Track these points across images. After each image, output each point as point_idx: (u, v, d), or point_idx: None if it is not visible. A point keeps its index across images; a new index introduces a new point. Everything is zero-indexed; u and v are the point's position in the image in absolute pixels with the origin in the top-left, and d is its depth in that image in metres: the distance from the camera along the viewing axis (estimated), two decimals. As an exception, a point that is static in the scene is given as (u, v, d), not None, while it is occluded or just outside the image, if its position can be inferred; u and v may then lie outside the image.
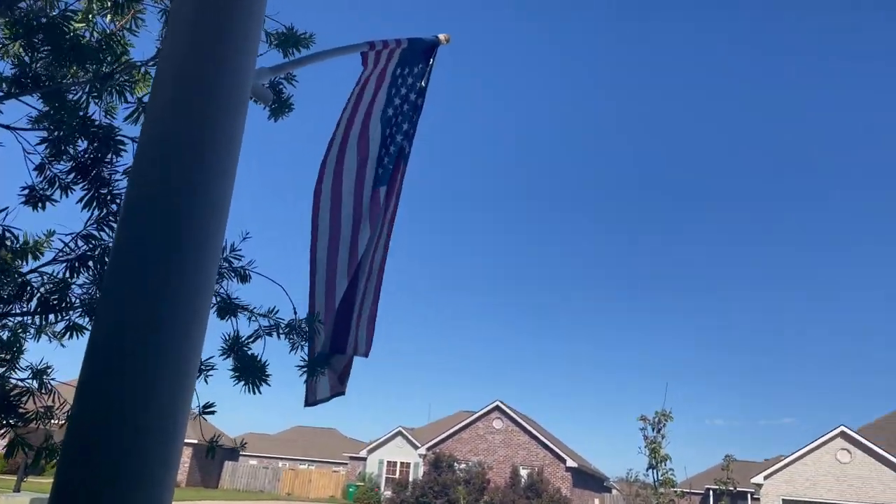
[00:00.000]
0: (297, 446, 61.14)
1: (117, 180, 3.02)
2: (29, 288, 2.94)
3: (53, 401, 3.28)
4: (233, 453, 51.54)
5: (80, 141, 2.95)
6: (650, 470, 13.44)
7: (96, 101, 3.19)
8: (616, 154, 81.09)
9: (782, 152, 74.15)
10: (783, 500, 34.26)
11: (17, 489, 17.44)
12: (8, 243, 2.90)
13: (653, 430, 13.50)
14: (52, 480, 1.40)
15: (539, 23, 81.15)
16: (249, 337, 3.29)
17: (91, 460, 1.35)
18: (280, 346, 3.41)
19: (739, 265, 75.77)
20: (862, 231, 72.60)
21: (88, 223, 3.04)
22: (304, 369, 3.30)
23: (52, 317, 3.11)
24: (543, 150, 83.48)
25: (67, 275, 2.98)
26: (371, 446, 46.81)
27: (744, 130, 75.41)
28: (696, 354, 76.38)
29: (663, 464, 13.26)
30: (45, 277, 3.06)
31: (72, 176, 2.89)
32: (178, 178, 1.56)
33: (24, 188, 3.13)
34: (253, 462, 54.01)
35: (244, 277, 3.44)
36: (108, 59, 3.11)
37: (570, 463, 36.85)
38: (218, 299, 3.43)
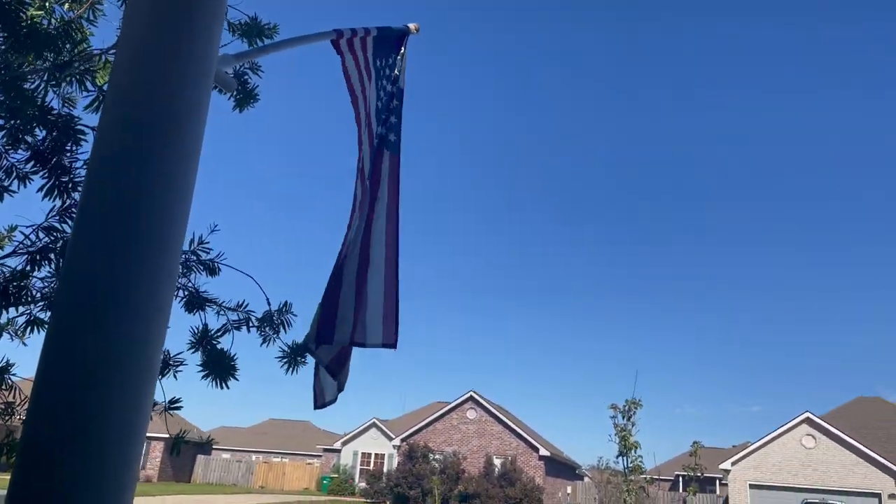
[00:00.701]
0: (270, 439, 60.76)
1: (77, 168, 2.94)
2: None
3: (15, 397, 3.20)
4: (205, 448, 51.09)
5: (38, 130, 2.87)
6: (620, 457, 13.65)
7: (55, 89, 3.10)
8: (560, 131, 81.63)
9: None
10: (750, 484, 34.99)
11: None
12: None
13: (623, 417, 13.69)
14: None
15: (530, 23, 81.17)
16: (218, 331, 3.24)
17: (48, 457, 1.31)
18: (252, 339, 3.37)
19: (705, 256, 76.94)
20: (825, 221, 74.18)
21: (50, 215, 2.96)
22: (285, 360, 3.27)
23: (12, 310, 3.03)
24: (516, 142, 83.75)
25: (28, 267, 2.90)
26: (345, 438, 46.72)
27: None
28: (666, 344, 77.48)
29: (633, 451, 13.45)
30: (4, 270, 2.98)
31: (30, 165, 2.80)
32: (139, 166, 1.52)
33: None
34: (226, 456, 53.55)
35: (213, 270, 3.38)
36: (67, 47, 3.02)
37: (543, 452, 37.18)
38: (186, 293, 3.37)
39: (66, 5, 3.02)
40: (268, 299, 3.26)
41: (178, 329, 3.32)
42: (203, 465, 48.08)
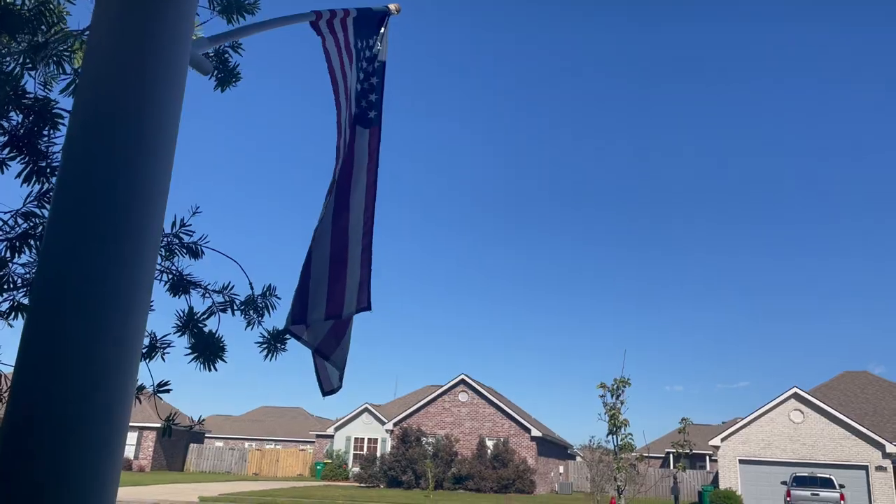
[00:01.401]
0: (263, 426, 60.91)
1: (55, 153, 2.90)
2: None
3: (2, 383, 3.18)
4: (198, 436, 51.10)
5: (13, 113, 2.83)
6: (610, 436, 13.79)
7: (31, 72, 3.05)
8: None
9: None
10: (739, 460, 35.47)
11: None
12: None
13: (612, 396, 13.82)
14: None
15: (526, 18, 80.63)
16: (204, 313, 3.23)
17: (30, 442, 1.30)
18: (241, 327, 3.36)
19: (692, 235, 77.34)
20: (815, 196, 74.64)
21: (28, 200, 2.93)
22: (264, 346, 3.26)
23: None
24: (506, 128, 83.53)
25: (7, 254, 2.87)
26: (338, 424, 46.90)
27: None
28: (656, 323, 78.04)
29: (622, 429, 13.60)
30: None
31: (6, 150, 2.77)
32: (113, 148, 1.50)
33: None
34: (219, 444, 53.68)
35: (196, 253, 3.36)
36: (42, 28, 2.97)
37: (535, 432, 37.49)
38: (170, 276, 3.35)
39: (40, -15, 2.96)
40: (250, 282, 3.25)
41: (164, 312, 3.30)
42: (196, 453, 48.15)
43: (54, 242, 1.46)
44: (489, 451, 36.30)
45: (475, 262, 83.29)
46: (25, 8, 3.03)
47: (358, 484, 37.77)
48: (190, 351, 3.12)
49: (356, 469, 41.15)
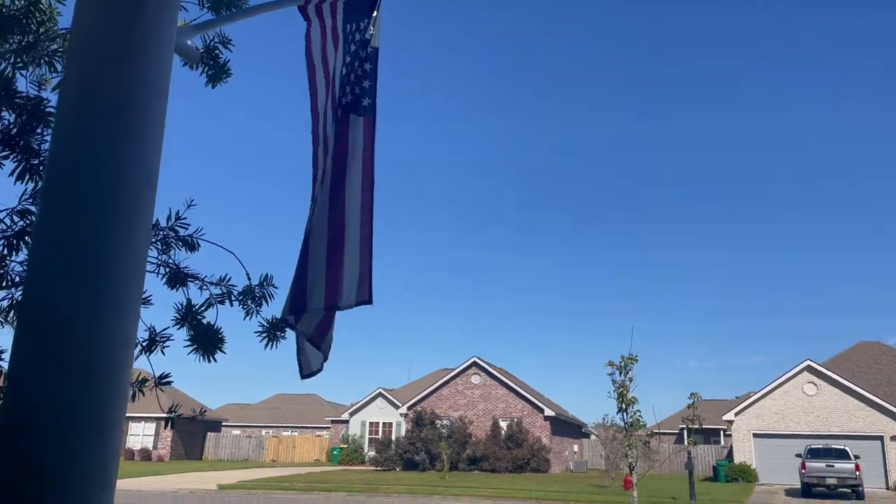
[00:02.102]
0: (279, 414, 61.43)
1: (47, 150, 2.93)
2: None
3: (4, 382, 3.24)
4: (215, 425, 51.62)
5: (5, 113, 2.85)
6: (619, 413, 13.85)
7: (22, 72, 3.07)
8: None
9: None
10: (753, 434, 35.50)
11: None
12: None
13: (620, 374, 13.85)
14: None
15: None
16: (202, 305, 3.26)
17: (24, 438, 1.32)
18: (249, 320, 3.39)
19: (702, 208, 76.83)
20: (822, 174, 73.89)
21: (23, 198, 2.96)
22: (264, 335, 3.30)
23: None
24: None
25: (5, 251, 2.91)
26: (352, 409, 47.27)
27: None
28: (669, 299, 77.81)
29: (631, 406, 13.65)
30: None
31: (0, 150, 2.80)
32: (100, 140, 1.51)
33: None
34: (236, 432, 54.19)
35: (192, 246, 3.39)
36: (32, 27, 2.99)
37: (548, 412, 37.63)
38: (167, 269, 3.38)
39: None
40: (247, 273, 3.28)
41: (163, 305, 3.34)
42: (213, 442, 48.70)
43: (44, 235, 1.47)
44: (503, 431, 36.50)
45: (481, 244, 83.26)
46: (14, 8, 3.04)
47: (374, 468, 38.12)
48: (189, 343, 3.16)
49: (372, 453, 41.53)
